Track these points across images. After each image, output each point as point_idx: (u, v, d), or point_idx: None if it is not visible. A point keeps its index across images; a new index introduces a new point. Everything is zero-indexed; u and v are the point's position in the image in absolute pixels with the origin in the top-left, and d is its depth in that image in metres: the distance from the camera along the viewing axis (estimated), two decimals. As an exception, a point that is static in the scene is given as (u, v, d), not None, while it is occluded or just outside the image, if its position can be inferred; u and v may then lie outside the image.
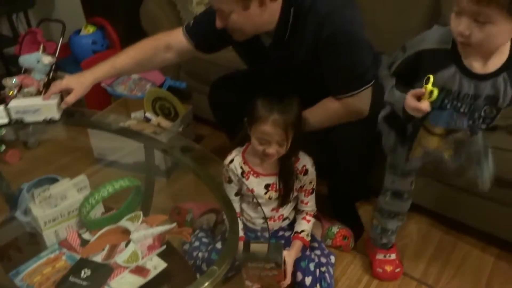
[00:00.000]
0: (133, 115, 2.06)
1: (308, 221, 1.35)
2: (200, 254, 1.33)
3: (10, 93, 2.00)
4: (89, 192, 1.20)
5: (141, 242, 1.13)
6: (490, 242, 1.50)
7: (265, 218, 1.34)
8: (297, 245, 1.31)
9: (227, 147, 1.40)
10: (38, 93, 1.81)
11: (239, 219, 1.30)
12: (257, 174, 1.30)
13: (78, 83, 1.36)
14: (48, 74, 2.09)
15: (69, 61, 2.31)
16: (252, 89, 1.25)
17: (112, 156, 1.92)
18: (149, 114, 2.01)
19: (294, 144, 1.23)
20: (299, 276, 1.29)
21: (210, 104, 1.59)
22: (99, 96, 2.24)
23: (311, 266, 1.30)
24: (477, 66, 0.95)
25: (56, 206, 1.14)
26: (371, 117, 1.25)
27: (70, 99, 1.33)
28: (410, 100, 0.97)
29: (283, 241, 1.35)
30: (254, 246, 1.10)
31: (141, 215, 1.20)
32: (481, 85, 0.96)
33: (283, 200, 1.32)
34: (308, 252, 1.34)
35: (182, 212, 1.56)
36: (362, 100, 1.25)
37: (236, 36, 1.24)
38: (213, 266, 0.90)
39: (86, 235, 1.18)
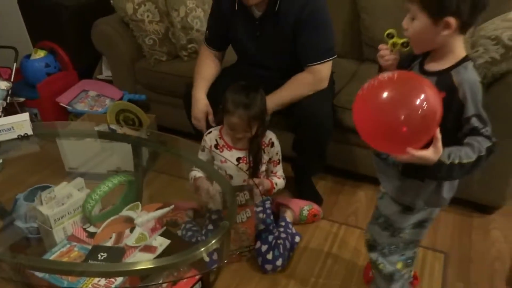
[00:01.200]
0: (97, 128, 2.17)
1: (279, 178, 1.63)
2: (199, 238, 1.51)
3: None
4: (91, 190, 1.34)
5: (144, 225, 1.30)
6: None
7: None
8: (265, 180, 1.59)
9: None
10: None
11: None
12: (230, 148, 1.57)
13: (205, 101, 1.67)
14: (5, 99, 2.16)
15: (21, 85, 2.35)
16: (221, 88, 1.51)
17: (83, 168, 2.01)
18: (113, 126, 2.14)
19: (261, 127, 1.49)
20: (258, 243, 1.54)
21: (185, 102, 1.79)
22: (57, 117, 2.32)
23: (270, 237, 1.55)
24: (429, 64, 1.02)
25: (63, 205, 1.27)
26: (329, 92, 1.64)
27: (212, 117, 1.65)
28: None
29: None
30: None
31: (140, 204, 1.37)
32: None
33: (253, 172, 1.57)
34: (271, 227, 1.58)
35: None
36: (327, 69, 1.61)
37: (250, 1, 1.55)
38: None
39: (91, 229, 1.32)
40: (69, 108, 2.25)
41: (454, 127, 0.96)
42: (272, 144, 1.60)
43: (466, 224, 1.77)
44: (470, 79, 0.94)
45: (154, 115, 2.16)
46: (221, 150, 1.57)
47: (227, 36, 1.75)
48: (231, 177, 1.54)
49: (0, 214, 1.48)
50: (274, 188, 1.61)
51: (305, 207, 1.74)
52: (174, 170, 2.09)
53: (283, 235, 1.58)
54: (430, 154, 0.90)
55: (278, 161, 1.64)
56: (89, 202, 1.30)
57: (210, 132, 1.60)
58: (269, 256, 1.51)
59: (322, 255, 1.62)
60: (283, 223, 1.64)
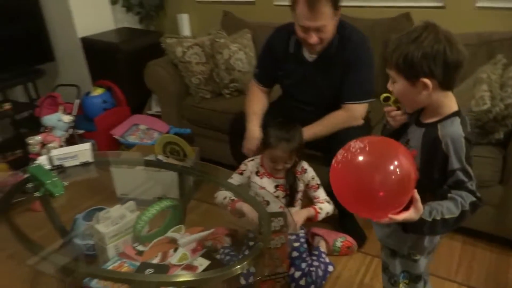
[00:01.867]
0: (146, 158, 2.36)
1: (323, 202, 1.70)
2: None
3: (33, 150, 2.30)
4: (141, 212, 1.49)
5: (187, 246, 1.43)
6: (456, 231, 1.87)
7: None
8: (308, 209, 1.67)
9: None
10: (59, 147, 2.10)
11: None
12: (269, 176, 1.71)
13: (259, 134, 1.78)
14: (67, 131, 2.41)
15: (81, 119, 2.61)
16: (264, 123, 1.68)
17: (133, 194, 2.19)
18: (160, 157, 2.32)
19: (297, 158, 1.62)
20: (292, 270, 1.61)
21: (230, 136, 1.95)
22: (111, 148, 2.55)
23: (303, 265, 1.62)
24: (422, 116, 1.07)
25: (117, 224, 1.42)
26: (365, 129, 1.76)
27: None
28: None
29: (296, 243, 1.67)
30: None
31: (183, 227, 1.51)
32: (417, 130, 1.07)
33: (289, 200, 1.67)
34: (305, 255, 1.66)
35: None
36: (363, 109, 1.74)
37: (317, 46, 1.69)
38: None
39: (139, 247, 1.46)
40: (122, 140, 2.47)
41: (442, 178, 1.00)
42: (305, 171, 1.73)
43: (503, 262, 1.76)
44: (453, 133, 0.98)
45: (198, 148, 2.33)
46: (261, 177, 1.71)
47: (276, 75, 1.89)
48: (267, 203, 1.65)
49: (60, 233, 1.65)
50: (318, 213, 1.68)
51: (339, 238, 1.80)
52: (213, 199, 2.23)
53: (316, 263, 1.64)
54: (410, 215, 0.92)
55: (317, 185, 1.74)
56: (139, 223, 1.44)
57: (253, 159, 1.73)
58: (302, 283, 1.58)
59: (354, 285, 1.66)
60: (316, 252, 1.71)
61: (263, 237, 1.30)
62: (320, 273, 1.62)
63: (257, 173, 1.72)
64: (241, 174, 1.73)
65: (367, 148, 0.92)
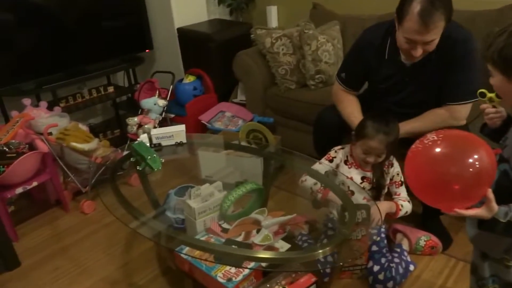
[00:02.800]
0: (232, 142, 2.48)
1: (404, 201, 1.68)
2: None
3: (131, 130, 2.51)
4: (228, 192, 1.57)
5: (269, 228, 1.49)
6: None
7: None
8: (389, 203, 1.66)
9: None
10: (154, 128, 2.27)
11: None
12: (357, 167, 1.70)
13: None
14: (161, 114, 2.60)
15: (173, 104, 2.80)
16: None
17: (216, 177, 2.31)
18: (243, 143, 2.42)
19: (390, 153, 1.61)
20: (370, 263, 1.59)
21: (315, 128, 1.97)
22: (198, 131, 2.70)
23: (383, 260, 1.59)
24: None
25: (207, 201, 1.52)
26: (465, 129, 1.64)
27: None
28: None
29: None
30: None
31: (266, 210, 1.57)
32: None
33: (376, 194, 1.66)
34: (384, 250, 1.63)
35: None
36: (466, 110, 1.64)
37: (421, 55, 1.57)
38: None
39: (224, 225, 1.55)
40: (209, 125, 2.61)
41: None
42: (392, 165, 1.71)
43: None
44: None
45: (280, 137, 2.38)
46: (349, 166, 1.71)
47: (366, 79, 1.85)
48: (352, 193, 1.66)
49: (153, 205, 1.81)
50: (400, 209, 1.67)
51: (423, 237, 1.75)
52: (293, 188, 2.28)
53: (396, 260, 1.61)
54: (481, 213, 0.90)
55: (400, 182, 1.71)
56: (226, 202, 1.53)
57: (343, 148, 1.74)
58: (381, 277, 1.56)
59: (436, 287, 1.60)
60: (398, 249, 1.68)
61: (346, 227, 1.31)
62: (401, 270, 1.59)
63: (345, 162, 1.73)
64: (331, 161, 1.73)
65: (444, 140, 0.93)
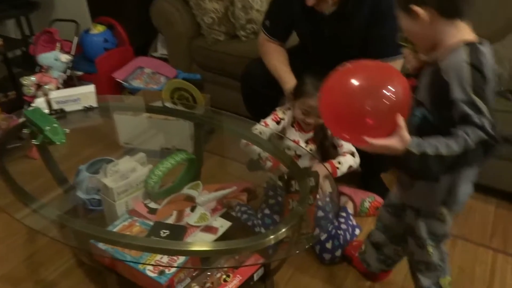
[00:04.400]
0: (153, 104, 2.16)
1: (344, 155, 1.52)
2: (255, 222, 1.48)
3: (28, 92, 2.09)
4: (154, 166, 1.32)
5: (206, 205, 1.28)
6: (489, 193, 1.73)
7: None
8: (325, 166, 1.49)
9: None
10: (57, 89, 1.90)
11: None
12: (301, 130, 1.53)
13: None
14: (65, 72, 2.19)
15: (80, 59, 2.38)
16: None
17: (137, 143, 2.01)
18: (168, 104, 2.12)
19: None
20: (317, 231, 1.46)
21: (242, 83, 1.74)
22: (113, 92, 2.34)
23: (330, 226, 1.48)
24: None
25: (127, 178, 1.26)
26: None
27: None
28: None
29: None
30: None
31: (201, 183, 1.35)
32: (429, 69, 0.97)
33: (322, 156, 1.52)
34: (331, 216, 1.52)
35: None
36: (398, 66, 1.47)
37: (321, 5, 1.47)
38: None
39: (151, 205, 1.31)
40: (125, 84, 2.26)
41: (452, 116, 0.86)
42: None
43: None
44: (455, 60, 0.86)
45: (209, 95, 2.13)
46: (296, 128, 1.53)
47: (291, 28, 1.66)
48: (299, 157, 1.49)
49: (59, 183, 1.49)
50: (337, 168, 1.51)
51: (367, 198, 1.66)
52: (226, 152, 2.07)
53: (343, 226, 1.51)
54: (391, 142, 0.85)
55: None
56: (152, 178, 1.28)
57: (289, 109, 1.54)
58: (328, 246, 1.45)
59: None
60: (344, 214, 1.57)
61: (301, 199, 1.14)
62: (348, 236, 1.49)
63: (292, 124, 1.54)
64: (278, 122, 1.52)
65: (359, 70, 0.91)
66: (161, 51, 2.49)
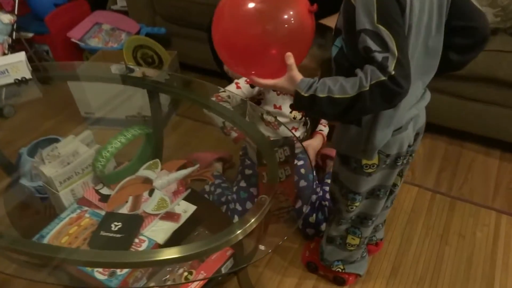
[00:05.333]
0: (113, 68, 1.92)
1: (324, 125, 1.43)
2: (229, 197, 1.31)
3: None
4: (101, 146, 1.12)
5: (165, 189, 1.10)
6: (492, 145, 1.56)
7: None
8: (318, 137, 1.38)
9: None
10: (3, 55, 1.65)
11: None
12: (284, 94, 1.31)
13: None
14: (11, 35, 1.93)
15: (29, 18, 2.10)
16: None
17: (100, 113, 1.81)
18: (131, 65, 1.88)
19: (323, 75, 1.20)
20: (299, 203, 1.31)
21: (209, 35, 1.50)
22: (70, 53, 2.08)
23: (313, 197, 1.33)
24: None
25: (69, 164, 1.06)
26: None
27: None
28: None
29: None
30: None
31: (159, 162, 1.16)
32: None
33: (309, 122, 1.35)
34: (315, 186, 1.35)
35: (187, 165, 1.52)
36: None
37: None
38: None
39: (104, 190, 1.12)
40: (82, 44, 2.00)
41: None
42: None
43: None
44: None
45: (176, 52, 1.88)
46: (279, 93, 1.31)
47: None
48: (279, 125, 1.29)
49: (6, 171, 1.31)
50: (325, 140, 1.39)
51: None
52: (199, 114, 1.87)
53: (328, 196, 1.34)
54: (281, 83, 0.79)
55: None
56: (100, 160, 1.08)
57: (239, 87, 1.31)
58: (312, 219, 1.30)
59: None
60: (329, 181, 1.40)
61: (268, 179, 0.96)
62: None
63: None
64: (252, 86, 1.31)
65: None
66: (121, 3, 2.20)
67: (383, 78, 0.67)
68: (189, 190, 1.13)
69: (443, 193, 1.43)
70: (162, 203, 1.06)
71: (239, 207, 1.31)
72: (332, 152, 1.50)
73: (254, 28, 0.77)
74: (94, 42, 2.01)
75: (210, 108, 1.22)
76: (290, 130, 1.29)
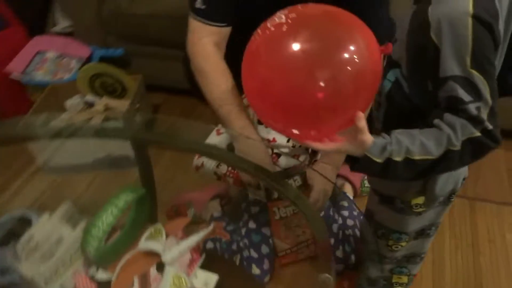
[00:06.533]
0: (68, 103, 1.67)
1: None
2: (240, 244, 1.15)
3: None
4: (88, 222, 0.91)
5: (178, 262, 0.91)
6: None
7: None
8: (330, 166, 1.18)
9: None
10: None
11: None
12: None
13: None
14: None
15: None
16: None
17: (59, 160, 1.55)
18: (90, 97, 1.64)
19: None
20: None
21: (187, 72, 1.29)
22: (12, 91, 1.79)
23: (334, 227, 1.21)
24: None
25: (54, 255, 0.85)
26: None
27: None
28: None
29: None
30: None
31: (162, 228, 0.96)
32: (408, 12, 0.68)
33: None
34: (331, 213, 1.23)
35: (180, 209, 1.33)
36: None
37: None
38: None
39: (100, 274, 0.92)
40: (25, 79, 1.72)
41: (435, 90, 0.61)
42: None
43: None
44: (452, 10, 0.56)
45: (140, 75, 1.65)
46: (266, 126, 1.12)
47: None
48: (278, 156, 1.13)
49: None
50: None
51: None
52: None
53: (350, 222, 1.22)
54: (347, 147, 0.61)
55: None
56: (90, 243, 0.87)
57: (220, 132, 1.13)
58: (339, 253, 1.17)
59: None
60: (345, 203, 1.27)
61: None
62: (358, 233, 1.21)
63: (259, 121, 1.12)
64: None
65: (298, 21, 0.57)
66: (63, 23, 1.92)
67: (477, 134, 0.56)
68: (203, 256, 0.95)
69: (460, 195, 1.35)
70: (179, 283, 0.87)
71: (254, 254, 1.15)
72: (345, 171, 1.37)
73: (307, 80, 0.56)
74: (39, 76, 1.73)
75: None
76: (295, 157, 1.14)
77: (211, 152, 1.01)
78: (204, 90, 1.05)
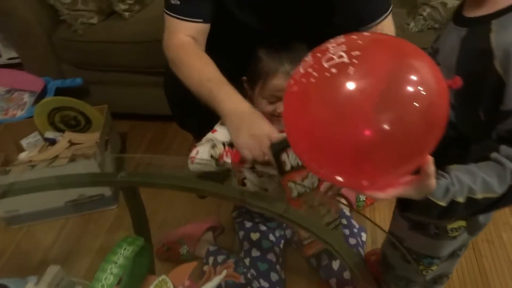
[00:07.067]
0: (25, 143, 1.50)
1: None
2: (248, 275, 1.07)
3: None
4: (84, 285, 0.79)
5: (193, 316, 0.82)
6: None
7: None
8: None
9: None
10: None
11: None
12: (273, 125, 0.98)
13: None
14: None
15: None
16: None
17: (27, 207, 1.38)
18: (50, 133, 1.49)
19: None
20: (325, 259, 1.13)
21: (167, 94, 1.19)
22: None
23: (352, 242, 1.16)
24: (468, 8, 0.62)
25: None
26: None
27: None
28: None
29: None
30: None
31: (167, 279, 0.86)
32: (453, 32, 0.62)
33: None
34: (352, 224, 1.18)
35: (173, 247, 1.23)
36: (392, 24, 1.04)
37: None
38: None
39: None
40: (-29, 120, 1.53)
41: (491, 125, 0.57)
42: None
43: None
44: None
45: (106, 106, 1.52)
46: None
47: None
48: (266, 190, 1.05)
49: None
50: None
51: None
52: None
53: (352, 241, 1.17)
54: (409, 192, 0.53)
55: None
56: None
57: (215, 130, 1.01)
58: (346, 275, 1.12)
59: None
60: (344, 221, 1.22)
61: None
62: (362, 252, 1.17)
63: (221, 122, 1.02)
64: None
65: (358, 58, 0.45)
66: (8, 54, 1.73)
67: None
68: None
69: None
70: None
71: (265, 284, 1.08)
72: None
73: (367, 124, 0.45)
74: (-12, 115, 1.55)
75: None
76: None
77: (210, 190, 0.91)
78: (183, 79, 0.99)
